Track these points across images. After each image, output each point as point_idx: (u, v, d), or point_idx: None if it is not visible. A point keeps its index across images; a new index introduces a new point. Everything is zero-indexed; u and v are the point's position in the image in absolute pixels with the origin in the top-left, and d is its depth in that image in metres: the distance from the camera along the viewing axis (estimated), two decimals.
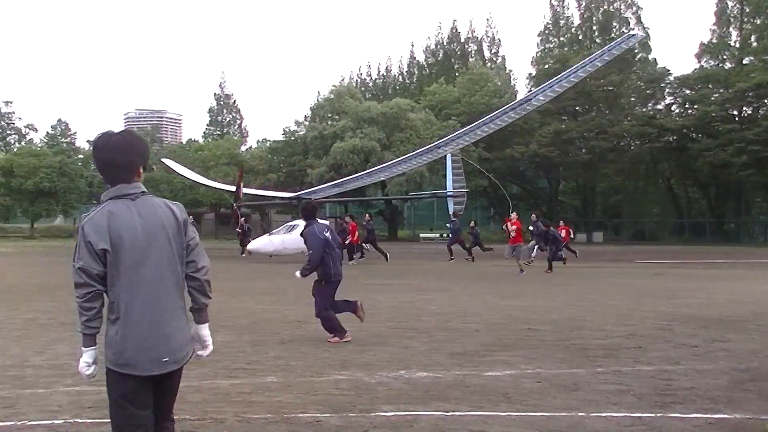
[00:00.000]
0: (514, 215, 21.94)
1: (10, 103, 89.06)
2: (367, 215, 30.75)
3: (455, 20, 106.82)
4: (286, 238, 27.72)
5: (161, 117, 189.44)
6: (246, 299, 14.10)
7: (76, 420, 5.44)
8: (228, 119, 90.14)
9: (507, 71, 75.86)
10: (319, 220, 9.97)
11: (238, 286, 16.81)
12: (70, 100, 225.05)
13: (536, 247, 24.35)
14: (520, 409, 5.86)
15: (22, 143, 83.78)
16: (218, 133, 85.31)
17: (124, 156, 3.38)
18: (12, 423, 5.32)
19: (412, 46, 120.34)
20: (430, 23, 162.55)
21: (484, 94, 58.68)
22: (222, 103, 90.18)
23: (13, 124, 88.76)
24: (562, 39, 68.24)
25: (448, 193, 39.36)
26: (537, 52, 68.08)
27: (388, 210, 61.16)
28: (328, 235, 9.21)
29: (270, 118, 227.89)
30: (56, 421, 5.40)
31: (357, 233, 26.55)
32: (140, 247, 3.30)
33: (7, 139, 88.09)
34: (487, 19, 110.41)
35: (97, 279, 3.28)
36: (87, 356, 3.40)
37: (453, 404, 5.99)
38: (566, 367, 7.58)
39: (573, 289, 16.69)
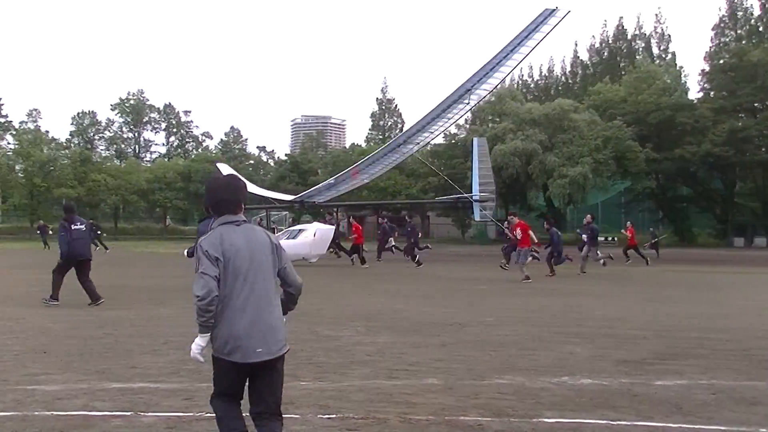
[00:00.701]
0: (515, 219, 20.70)
1: (189, 112, 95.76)
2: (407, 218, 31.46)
3: (621, 17, 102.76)
4: (283, 243, 28.83)
5: (326, 122, 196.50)
6: (401, 301, 14.29)
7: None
8: (389, 123, 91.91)
9: (677, 68, 71.95)
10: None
11: (389, 288, 17.09)
12: (242, 108, 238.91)
13: (596, 250, 23.71)
14: (693, 422, 5.53)
15: (199, 150, 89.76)
16: (380, 137, 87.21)
17: (232, 195, 4.35)
18: (191, 414, 5.69)
19: (576, 45, 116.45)
20: (594, 22, 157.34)
21: (652, 93, 55.90)
22: (384, 107, 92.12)
23: (192, 132, 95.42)
24: (739, 32, 63.84)
25: (474, 197, 37.39)
26: (711, 47, 64.07)
27: (551, 212, 59.79)
28: None
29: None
30: None
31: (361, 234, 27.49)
32: (245, 259, 4.13)
33: (186, 146, 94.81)
34: (656, 15, 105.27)
35: (216, 282, 4.04)
36: (201, 341, 4.15)
37: (620, 413, 5.76)
38: (743, 379, 7.07)
39: (738, 296, 15.53)
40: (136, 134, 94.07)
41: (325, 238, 26.26)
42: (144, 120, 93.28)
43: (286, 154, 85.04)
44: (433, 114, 35.81)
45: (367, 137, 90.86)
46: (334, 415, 5.66)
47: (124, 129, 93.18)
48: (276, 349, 4.12)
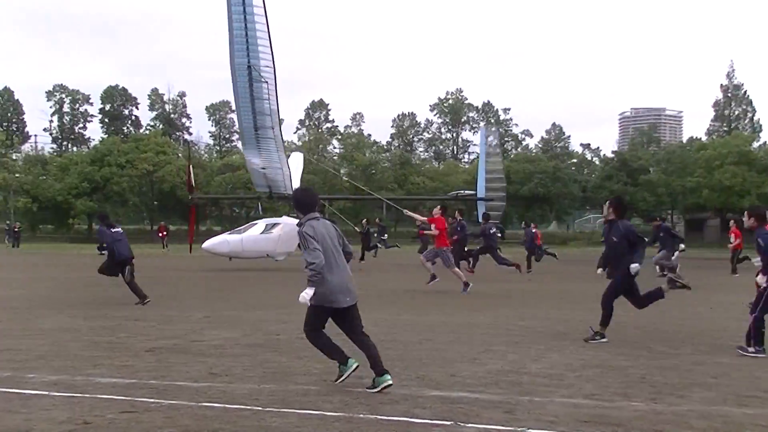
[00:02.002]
0: (437, 210, 18.29)
1: (509, 110, 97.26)
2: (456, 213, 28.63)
3: None
4: (246, 237, 26.54)
5: (659, 115, 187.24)
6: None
7: None
8: (737, 113, 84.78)
9: None
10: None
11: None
12: (565, 103, 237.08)
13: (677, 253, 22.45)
14: None
15: (518, 149, 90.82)
16: (725, 128, 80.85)
17: (314, 201, 7.28)
18: (512, 428, 5.74)
19: None
20: None
21: None
22: (730, 95, 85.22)
23: (511, 130, 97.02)
24: None
25: (479, 197, 35.01)
26: None
27: None
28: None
29: None
30: None
31: None
32: (328, 239, 6.96)
33: (505, 145, 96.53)
34: None
35: (323, 254, 6.78)
36: (311, 291, 6.74)
37: None
38: None
39: None
40: (455, 134, 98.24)
41: (293, 235, 23.60)
42: (462, 120, 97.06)
43: (612, 151, 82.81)
44: None
45: (708, 129, 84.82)
46: None
47: (442, 129, 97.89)
48: (354, 296, 7.04)
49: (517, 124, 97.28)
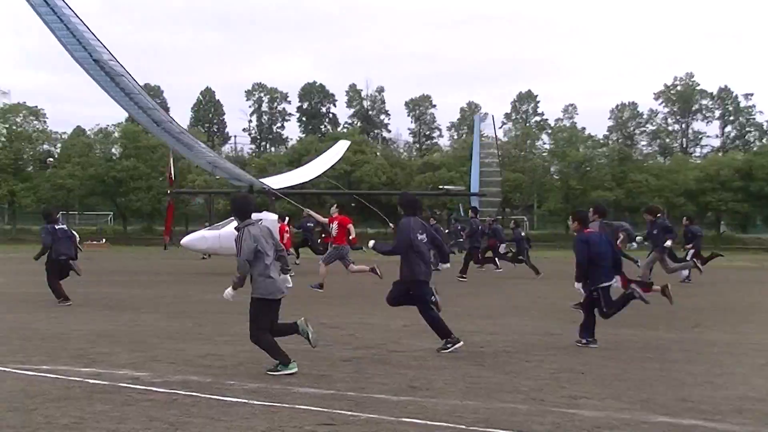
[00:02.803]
0: (334, 209, 20.02)
1: (751, 95, 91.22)
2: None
3: None
4: (224, 233, 25.19)
5: None
6: None
7: None
8: None
9: None
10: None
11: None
12: None
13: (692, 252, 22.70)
14: None
15: (763, 141, 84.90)
16: None
17: (251, 207, 8.88)
18: None
19: None
20: None
21: None
22: None
23: (753, 119, 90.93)
24: None
25: (472, 192, 34.49)
26: None
27: None
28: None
29: None
30: None
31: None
32: (265, 242, 8.50)
33: (746, 137, 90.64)
34: None
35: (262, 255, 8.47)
36: (232, 291, 8.71)
37: None
38: None
39: None
40: (684, 125, 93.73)
41: (273, 230, 23.01)
42: (693, 108, 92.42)
43: None
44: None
45: None
46: None
47: (669, 120, 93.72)
48: (285, 291, 8.83)
49: (761, 112, 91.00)
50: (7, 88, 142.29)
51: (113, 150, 71.76)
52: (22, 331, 11.40)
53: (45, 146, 73.02)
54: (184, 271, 26.76)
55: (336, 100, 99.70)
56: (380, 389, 7.75)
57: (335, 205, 20.24)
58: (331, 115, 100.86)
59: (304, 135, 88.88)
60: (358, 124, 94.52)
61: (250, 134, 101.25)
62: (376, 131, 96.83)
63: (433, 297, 10.56)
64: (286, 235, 25.15)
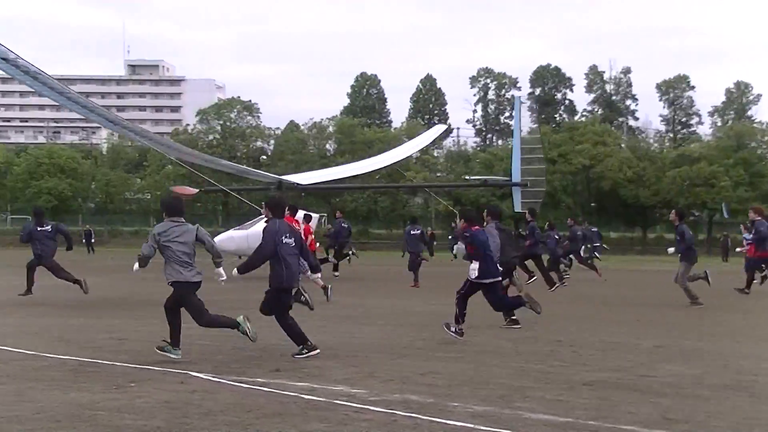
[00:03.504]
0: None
1: None
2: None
3: None
4: (252, 233, 26.12)
5: None
6: None
7: None
8: None
9: None
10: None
11: None
12: None
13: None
14: None
15: None
16: None
17: (180, 207, 11.07)
18: None
19: None
20: None
21: None
22: None
23: None
24: None
25: (513, 181, 35.13)
26: None
27: None
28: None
29: None
30: None
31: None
32: (189, 242, 10.66)
33: None
34: None
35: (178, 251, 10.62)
36: (136, 266, 11.15)
37: None
38: None
39: None
40: None
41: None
42: None
43: None
44: None
45: None
46: None
47: None
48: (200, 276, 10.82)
49: None
50: (222, 82, 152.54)
51: (327, 146, 74.78)
52: (235, 340, 12.07)
53: (258, 143, 77.23)
54: (396, 279, 27.29)
55: (573, 85, 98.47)
56: (628, 419, 7.51)
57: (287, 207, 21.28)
58: (567, 101, 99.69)
59: (535, 125, 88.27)
60: (599, 111, 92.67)
61: (474, 126, 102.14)
62: (620, 119, 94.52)
63: (303, 297, 13.18)
64: (311, 237, 25.53)
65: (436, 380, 9.38)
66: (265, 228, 11.21)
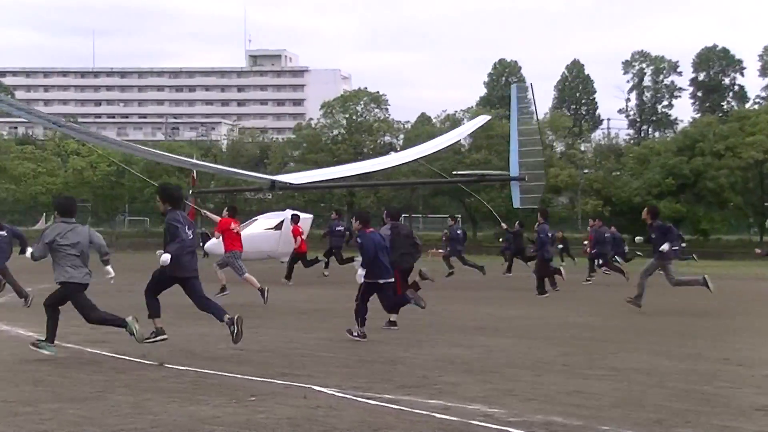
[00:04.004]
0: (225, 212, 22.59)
1: None
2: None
3: None
4: (245, 236, 24.34)
5: None
6: None
7: None
8: None
9: None
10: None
11: None
12: None
13: None
14: None
15: None
16: None
17: (73, 208, 12.41)
18: None
19: None
20: None
21: None
22: None
23: None
24: None
25: (512, 176, 34.12)
26: None
27: None
28: None
29: None
30: None
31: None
32: (80, 243, 11.79)
33: None
34: None
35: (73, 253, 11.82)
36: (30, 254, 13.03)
37: None
38: None
39: None
40: None
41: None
42: None
43: None
44: None
45: None
46: None
47: None
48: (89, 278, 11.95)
49: None
50: (348, 72, 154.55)
51: (462, 140, 74.53)
52: (361, 352, 12.18)
53: (386, 138, 77.68)
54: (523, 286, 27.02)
55: (744, 68, 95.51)
56: None
57: (226, 208, 22.83)
58: (736, 87, 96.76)
59: (698, 115, 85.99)
60: None
61: (627, 116, 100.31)
62: None
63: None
64: (299, 238, 27.67)
65: (584, 400, 9.24)
66: (168, 219, 12.37)
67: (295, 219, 28.44)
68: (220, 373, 10.64)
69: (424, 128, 75.71)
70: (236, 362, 11.54)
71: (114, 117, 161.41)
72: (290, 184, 32.49)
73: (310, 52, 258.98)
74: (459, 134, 51.99)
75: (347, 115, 75.32)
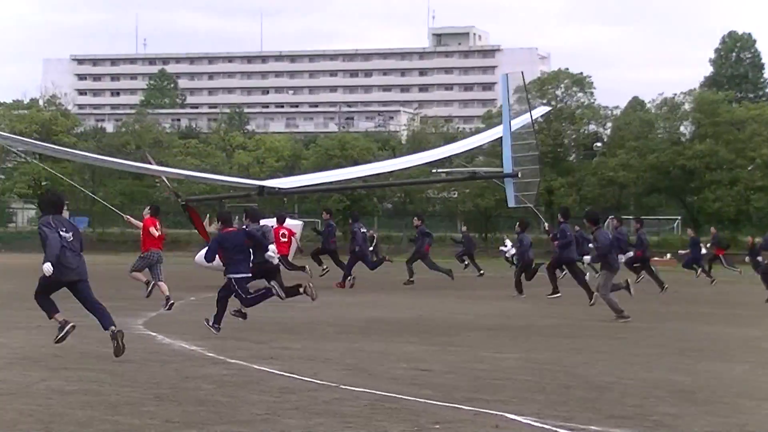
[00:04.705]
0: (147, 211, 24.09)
1: None
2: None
3: None
4: None
5: None
6: None
7: None
8: None
9: None
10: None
11: None
12: None
13: None
14: None
15: None
16: None
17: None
18: None
19: None
20: None
21: None
22: None
23: None
24: None
25: (505, 173, 33.68)
26: None
27: None
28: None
29: None
30: None
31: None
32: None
33: None
34: None
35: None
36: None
37: None
38: None
39: None
40: None
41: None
42: None
43: None
44: None
45: None
46: None
47: None
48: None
49: None
50: (546, 51, 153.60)
51: (682, 128, 72.66)
52: (561, 377, 12.05)
53: (591, 126, 76.48)
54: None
55: None
56: None
57: (148, 207, 24.30)
58: None
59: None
60: None
61: None
62: None
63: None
64: (283, 240, 28.77)
65: None
66: (42, 223, 13.66)
67: (279, 220, 29.84)
68: (400, 396, 10.66)
69: (636, 114, 74.03)
70: (418, 384, 11.57)
71: (283, 106, 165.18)
72: (279, 189, 34.56)
73: (502, 29, 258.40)
74: (489, 136, 50.61)
75: (545, 101, 74.61)
